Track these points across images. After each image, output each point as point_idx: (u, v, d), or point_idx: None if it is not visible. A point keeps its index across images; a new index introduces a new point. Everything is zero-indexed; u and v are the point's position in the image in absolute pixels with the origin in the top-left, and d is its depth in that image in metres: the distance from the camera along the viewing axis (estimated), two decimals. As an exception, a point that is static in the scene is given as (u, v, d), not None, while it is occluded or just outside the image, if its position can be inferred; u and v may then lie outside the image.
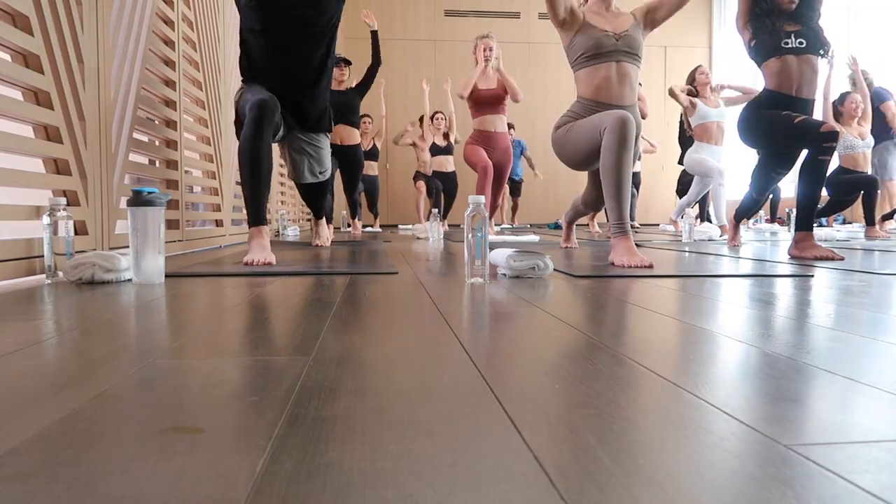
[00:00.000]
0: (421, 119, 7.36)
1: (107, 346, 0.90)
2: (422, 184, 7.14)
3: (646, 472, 0.46)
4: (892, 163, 5.27)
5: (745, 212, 3.43)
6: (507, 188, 8.43)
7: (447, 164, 7.01)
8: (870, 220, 4.75)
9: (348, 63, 5.25)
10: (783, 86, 2.83)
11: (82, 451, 0.50)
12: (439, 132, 7.02)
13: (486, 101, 4.55)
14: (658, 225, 8.41)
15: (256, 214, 2.38)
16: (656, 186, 9.54)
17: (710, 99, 4.93)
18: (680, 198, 6.12)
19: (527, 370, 0.76)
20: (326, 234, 3.49)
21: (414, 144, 7.35)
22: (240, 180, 2.50)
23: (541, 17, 10.08)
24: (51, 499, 0.42)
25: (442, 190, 7.05)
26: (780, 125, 2.82)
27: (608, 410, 0.60)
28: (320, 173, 3.02)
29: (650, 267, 2.10)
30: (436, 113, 7.13)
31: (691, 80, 5.06)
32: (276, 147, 3.38)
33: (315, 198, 3.30)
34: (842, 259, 2.50)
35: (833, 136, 2.66)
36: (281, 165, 5.38)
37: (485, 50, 4.55)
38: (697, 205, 6.10)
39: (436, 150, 7.01)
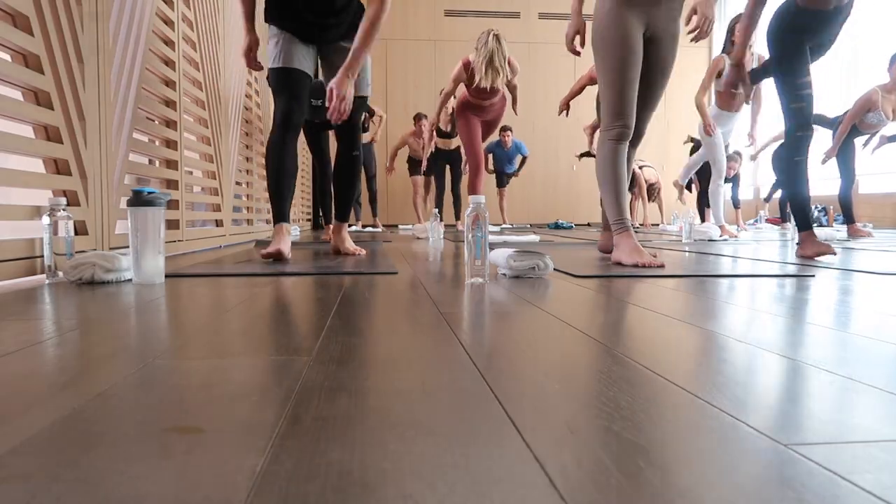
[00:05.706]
0: (415, 118, 7.27)
1: (107, 346, 0.90)
2: (417, 179, 7.06)
3: (645, 472, 0.46)
4: None
5: (798, 209, 2.77)
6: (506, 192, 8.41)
7: (450, 143, 6.61)
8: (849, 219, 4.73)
9: None
10: (818, 1, 2.55)
11: (82, 451, 0.50)
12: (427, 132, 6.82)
13: (480, 98, 4.52)
14: (658, 225, 8.40)
15: (277, 211, 2.56)
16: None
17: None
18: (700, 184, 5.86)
19: (527, 370, 0.76)
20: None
21: (407, 143, 7.30)
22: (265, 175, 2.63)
23: (541, 16, 10.08)
24: (51, 499, 0.42)
25: (450, 169, 6.71)
26: (787, 76, 2.64)
27: (608, 410, 0.60)
28: (366, 86, 2.77)
29: (662, 266, 2.00)
30: (419, 119, 6.89)
31: (732, 32, 4.36)
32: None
33: (351, 180, 2.88)
34: (834, 254, 2.57)
35: (801, 142, 2.63)
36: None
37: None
38: (693, 207, 6.06)
39: (440, 133, 6.58)
